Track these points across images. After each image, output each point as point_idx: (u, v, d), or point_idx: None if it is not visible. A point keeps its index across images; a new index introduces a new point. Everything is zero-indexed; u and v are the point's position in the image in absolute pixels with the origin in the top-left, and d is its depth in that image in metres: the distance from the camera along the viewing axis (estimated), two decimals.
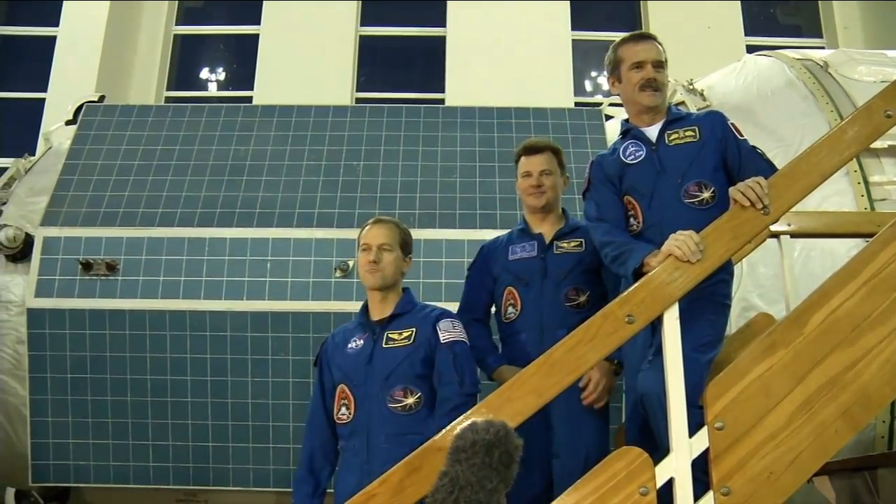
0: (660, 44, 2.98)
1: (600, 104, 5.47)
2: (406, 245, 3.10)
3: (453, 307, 3.29)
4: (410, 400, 2.84)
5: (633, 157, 2.91)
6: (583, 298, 3.19)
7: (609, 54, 3.03)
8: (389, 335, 2.94)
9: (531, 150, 3.36)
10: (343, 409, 2.92)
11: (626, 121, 3.04)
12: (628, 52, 2.94)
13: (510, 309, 3.26)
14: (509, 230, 3.50)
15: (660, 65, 2.91)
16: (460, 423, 2.27)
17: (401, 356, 2.89)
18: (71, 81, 8.36)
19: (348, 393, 2.92)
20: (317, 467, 2.97)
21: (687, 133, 2.87)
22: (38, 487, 4.62)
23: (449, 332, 2.93)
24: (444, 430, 2.29)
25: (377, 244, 3.00)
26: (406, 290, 3.09)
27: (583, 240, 3.25)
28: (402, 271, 3.08)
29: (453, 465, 2.04)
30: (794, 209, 2.62)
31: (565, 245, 3.28)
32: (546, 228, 3.33)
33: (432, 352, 2.90)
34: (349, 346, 3.00)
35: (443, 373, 2.87)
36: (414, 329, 2.94)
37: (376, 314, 3.02)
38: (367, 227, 3.10)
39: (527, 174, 3.32)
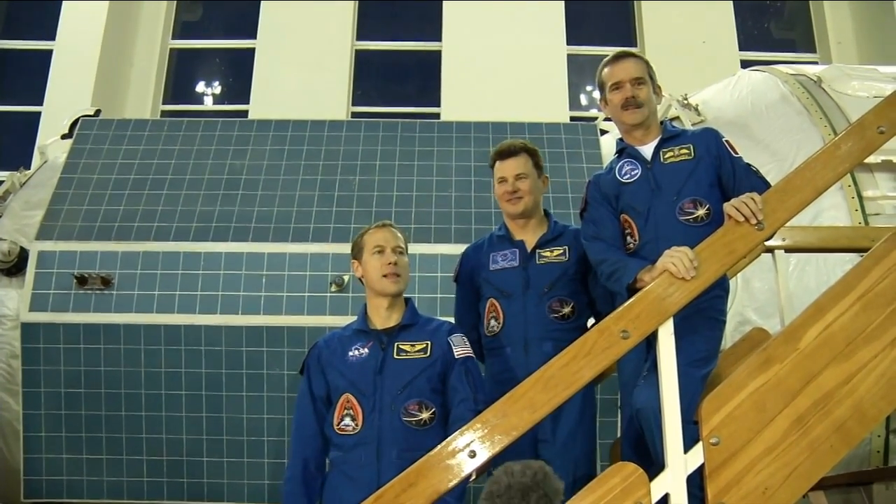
0: (641, 59, 2.98)
1: (595, 118, 5.49)
2: (406, 250, 3.03)
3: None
4: (425, 415, 2.76)
5: (628, 175, 2.91)
6: (567, 309, 3.13)
7: (597, 77, 3.04)
8: (401, 346, 2.84)
9: (505, 154, 3.26)
10: (347, 420, 2.78)
11: (622, 139, 3.03)
12: (607, 74, 2.97)
13: (492, 322, 3.19)
14: (490, 232, 3.40)
15: (639, 81, 2.90)
16: (456, 439, 2.26)
17: (417, 369, 2.80)
18: (67, 95, 8.35)
19: (354, 403, 2.79)
20: (310, 478, 2.82)
21: (682, 151, 2.88)
22: (30, 503, 4.59)
23: (461, 347, 2.87)
24: (440, 446, 2.27)
25: (392, 246, 2.92)
26: (409, 300, 2.99)
27: (566, 247, 3.20)
28: None
29: None
30: (788, 224, 2.62)
31: (548, 254, 3.20)
32: (527, 235, 3.25)
33: (448, 367, 2.83)
34: (350, 353, 2.86)
35: (458, 388, 2.81)
36: (428, 342, 2.86)
37: (380, 322, 2.91)
38: (373, 230, 3.00)
39: (502, 180, 3.23)
